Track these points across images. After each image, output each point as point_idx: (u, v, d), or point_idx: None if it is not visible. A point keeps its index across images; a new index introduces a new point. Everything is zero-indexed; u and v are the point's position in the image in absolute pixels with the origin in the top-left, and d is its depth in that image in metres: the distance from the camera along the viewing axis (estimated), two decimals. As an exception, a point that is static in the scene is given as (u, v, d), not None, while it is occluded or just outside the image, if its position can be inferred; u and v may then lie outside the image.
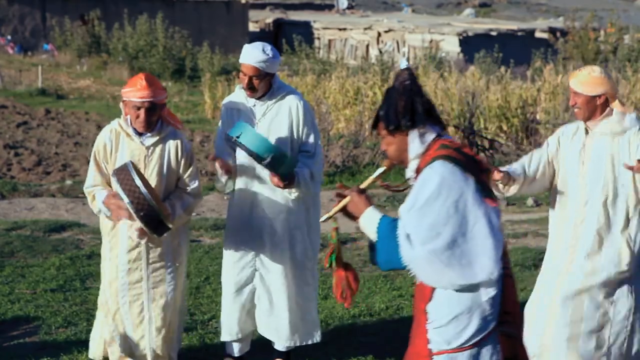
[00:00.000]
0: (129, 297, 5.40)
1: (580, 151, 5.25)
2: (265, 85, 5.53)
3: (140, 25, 33.56)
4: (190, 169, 5.55)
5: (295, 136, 5.61)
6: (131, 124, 5.39)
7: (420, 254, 3.48)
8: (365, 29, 44.02)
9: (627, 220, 5.14)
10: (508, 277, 3.70)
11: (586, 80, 5.15)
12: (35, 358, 6.02)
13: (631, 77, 20.46)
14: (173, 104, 25.84)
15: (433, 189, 3.51)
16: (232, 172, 5.61)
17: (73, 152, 16.84)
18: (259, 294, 5.71)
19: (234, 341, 5.85)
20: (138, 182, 4.92)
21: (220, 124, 5.86)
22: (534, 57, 27.80)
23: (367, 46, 43.11)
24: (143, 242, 5.34)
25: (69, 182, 13.44)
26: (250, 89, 5.51)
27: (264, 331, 5.79)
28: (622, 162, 5.06)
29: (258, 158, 5.20)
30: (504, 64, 24.03)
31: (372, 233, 3.65)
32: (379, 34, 43.22)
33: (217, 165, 5.58)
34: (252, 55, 5.46)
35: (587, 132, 5.27)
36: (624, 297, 5.16)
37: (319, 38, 44.93)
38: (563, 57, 29.31)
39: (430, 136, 3.67)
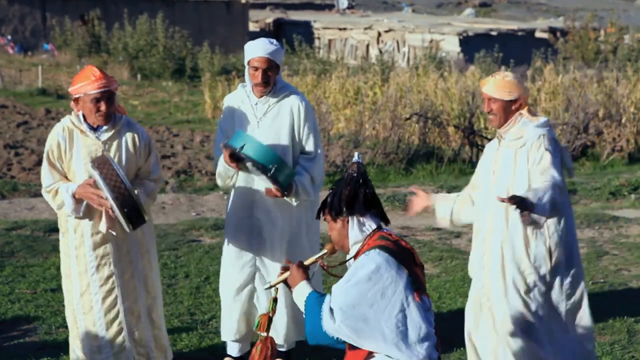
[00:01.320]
0: (101, 294, 5.29)
1: (493, 162, 5.17)
2: (274, 79, 5.53)
3: (140, 25, 33.56)
4: (150, 157, 5.43)
5: (296, 137, 5.60)
6: (84, 119, 5.27)
7: (341, 327, 3.77)
8: (366, 28, 44.01)
9: (526, 235, 5.03)
10: None
11: (502, 84, 5.03)
12: (35, 358, 6.02)
13: (631, 77, 20.46)
14: (173, 103, 25.85)
15: (366, 273, 3.78)
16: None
17: (73, 152, 16.84)
18: (258, 293, 5.72)
19: (234, 341, 5.86)
20: (122, 175, 4.89)
21: (219, 123, 5.85)
22: (534, 57, 27.77)
23: (367, 46, 43.10)
24: (110, 235, 5.21)
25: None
26: (265, 82, 5.48)
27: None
28: (521, 174, 4.98)
29: (264, 168, 5.18)
30: (504, 63, 24.02)
31: (301, 305, 3.93)
32: (379, 34, 43.21)
33: (223, 154, 5.45)
34: (262, 47, 5.46)
35: (499, 142, 5.17)
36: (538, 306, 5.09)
37: (319, 38, 44.93)
38: (563, 57, 29.28)
39: (370, 226, 3.96)
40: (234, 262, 5.74)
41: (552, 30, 41.57)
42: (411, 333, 3.74)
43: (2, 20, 39.44)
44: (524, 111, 5.06)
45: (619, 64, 24.94)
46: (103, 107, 5.17)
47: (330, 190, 4.03)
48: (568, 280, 5.12)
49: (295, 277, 4.01)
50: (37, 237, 9.42)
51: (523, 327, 5.06)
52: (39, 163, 15.14)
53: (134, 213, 4.95)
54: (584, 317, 5.23)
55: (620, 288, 8.04)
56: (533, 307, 5.06)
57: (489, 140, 16.71)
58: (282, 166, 5.23)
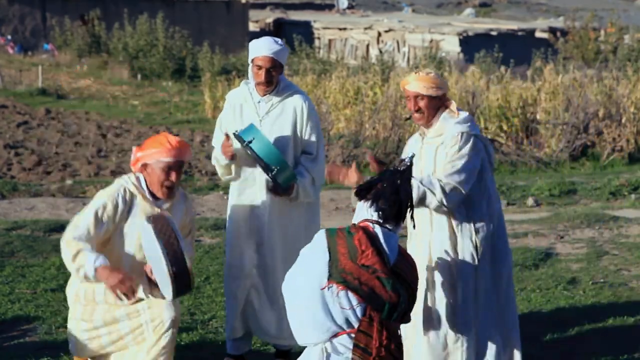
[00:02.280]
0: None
1: (418, 161, 5.01)
2: (277, 78, 5.53)
3: (140, 25, 33.57)
4: (190, 235, 5.28)
5: (299, 136, 5.59)
6: (147, 186, 5.02)
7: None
8: (366, 28, 44.00)
9: (452, 231, 4.93)
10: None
11: (427, 81, 4.87)
12: (35, 358, 6.02)
13: (631, 77, 20.45)
14: (173, 103, 25.86)
15: (308, 246, 4.13)
16: (235, 158, 5.51)
17: (73, 152, 16.85)
18: (259, 292, 5.72)
19: (235, 339, 5.86)
20: (179, 234, 4.65)
21: (219, 118, 5.83)
22: (534, 57, 27.77)
23: (368, 46, 43.09)
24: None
25: (69, 181, 13.44)
26: (269, 82, 5.46)
27: (263, 330, 5.78)
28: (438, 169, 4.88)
29: (266, 167, 5.15)
30: (504, 63, 24.01)
31: None
32: (379, 34, 43.20)
33: (222, 146, 5.43)
34: (266, 46, 5.43)
35: (423, 139, 5.07)
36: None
37: (319, 38, 44.92)
38: (563, 57, 29.26)
39: (364, 215, 4.14)
40: (235, 261, 5.74)
41: (552, 30, 41.56)
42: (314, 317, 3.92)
43: (2, 20, 39.44)
44: (453, 107, 4.95)
45: (619, 64, 24.95)
46: (174, 177, 4.94)
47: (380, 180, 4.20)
48: (493, 278, 5.01)
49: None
50: (37, 237, 9.42)
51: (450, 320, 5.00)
52: (39, 163, 15.15)
53: (181, 276, 4.63)
54: (511, 316, 5.17)
55: (620, 288, 8.04)
56: (460, 304, 4.98)
57: (491, 140, 16.77)
58: (284, 168, 5.21)
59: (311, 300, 3.86)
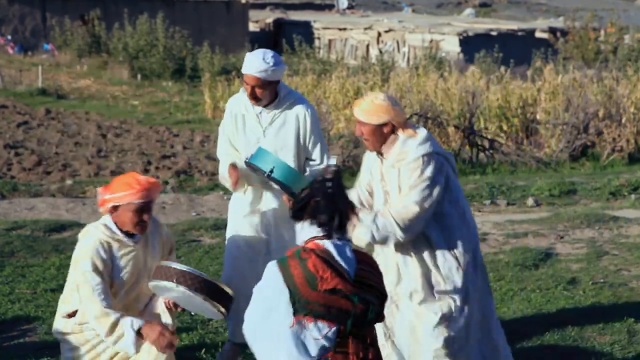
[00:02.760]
0: None
1: (381, 181, 5.00)
2: (270, 93, 5.43)
3: (140, 25, 33.58)
4: (172, 253, 5.28)
5: (302, 145, 5.56)
6: (119, 228, 4.98)
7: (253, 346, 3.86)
8: (366, 28, 44.02)
9: (433, 254, 4.92)
10: None
11: (369, 108, 4.84)
12: (35, 358, 6.02)
13: (631, 77, 20.45)
14: (173, 104, 25.86)
15: (257, 288, 3.84)
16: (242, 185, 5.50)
17: (73, 152, 16.85)
18: None
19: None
20: (178, 266, 4.74)
21: (222, 125, 5.76)
22: (534, 57, 27.81)
23: (368, 46, 43.11)
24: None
25: (69, 182, 13.45)
26: (254, 98, 5.41)
27: None
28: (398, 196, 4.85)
29: (291, 193, 5.03)
30: (504, 63, 24.04)
31: None
32: (379, 34, 43.22)
33: (230, 175, 5.43)
34: (253, 64, 5.36)
35: (382, 162, 5.02)
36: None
37: (319, 38, 44.94)
38: (563, 57, 29.32)
39: (307, 235, 3.89)
40: (235, 259, 5.71)
41: (552, 30, 41.59)
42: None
43: (2, 20, 39.44)
44: (401, 132, 4.89)
45: (619, 64, 24.98)
46: (146, 217, 4.92)
47: (301, 190, 3.98)
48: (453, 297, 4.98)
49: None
50: (37, 237, 9.42)
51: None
52: (39, 163, 15.15)
53: (210, 287, 4.76)
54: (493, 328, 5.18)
55: (620, 288, 8.04)
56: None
57: (489, 140, 16.79)
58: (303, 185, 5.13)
59: (282, 341, 3.68)
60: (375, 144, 4.92)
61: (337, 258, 3.74)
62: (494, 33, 40.63)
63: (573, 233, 10.37)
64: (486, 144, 16.94)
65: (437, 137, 17.55)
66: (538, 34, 42.80)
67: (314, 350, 3.67)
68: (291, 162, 5.44)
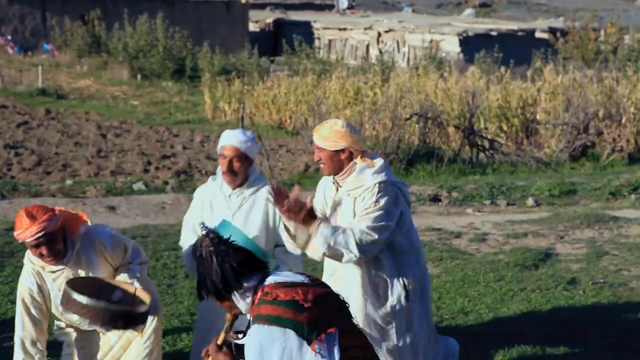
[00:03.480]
0: None
1: (331, 207, 5.01)
2: (244, 172, 5.31)
3: (140, 25, 33.59)
4: (126, 253, 5.19)
5: (272, 229, 5.40)
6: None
7: None
8: (366, 29, 44.04)
9: (383, 280, 4.93)
10: None
11: (327, 134, 4.86)
12: (35, 358, 6.01)
13: (631, 77, 20.45)
14: (173, 104, 25.85)
15: (255, 353, 3.57)
16: None
17: (73, 152, 16.85)
18: None
19: None
20: (80, 298, 4.67)
21: (186, 215, 5.60)
22: (534, 57, 27.82)
23: (368, 46, 43.12)
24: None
25: (69, 182, 13.45)
26: (231, 171, 5.27)
27: None
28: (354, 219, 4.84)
29: None
30: (504, 64, 24.05)
31: None
32: (379, 34, 43.24)
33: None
34: (233, 135, 5.28)
35: (337, 189, 5.02)
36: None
37: (319, 38, 44.95)
38: (563, 57, 29.34)
39: (249, 294, 3.70)
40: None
41: (552, 31, 41.61)
42: None
43: (2, 20, 39.45)
44: (358, 159, 4.91)
45: (619, 64, 24.99)
46: (45, 251, 4.85)
47: (197, 272, 3.75)
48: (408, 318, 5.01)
49: None
50: (37, 237, 9.40)
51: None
52: (39, 163, 15.16)
53: (120, 317, 4.73)
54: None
55: (620, 288, 8.04)
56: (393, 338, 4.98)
57: (489, 140, 16.78)
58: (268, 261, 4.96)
59: None
60: (331, 169, 4.93)
61: (289, 279, 3.70)
62: (494, 33, 40.64)
63: (573, 233, 10.37)
64: (486, 144, 16.95)
65: (437, 137, 17.56)
66: (538, 34, 42.81)
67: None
68: (261, 245, 5.03)
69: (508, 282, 8.21)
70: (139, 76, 31.66)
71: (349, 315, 3.76)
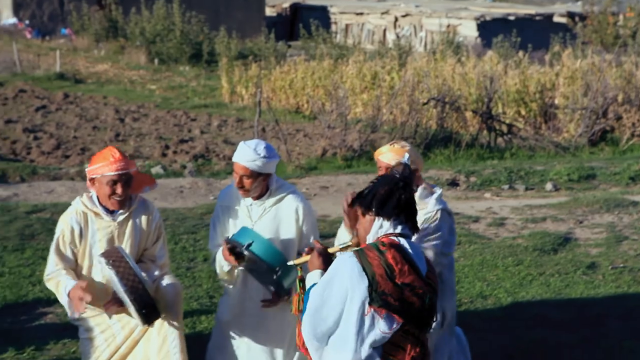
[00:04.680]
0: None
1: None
2: (260, 185, 5.10)
3: (157, 10, 33.57)
4: (158, 242, 5.30)
5: (296, 240, 5.21)
6: (99, 201, 5.12)
7: (307, 335, 3.76)
8: (383, 13, 43.87)
9: None
10: None
11: (396, 153, 4.95)
12: (56, 339, 6.08)
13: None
14: (190, 88, 25.88)
15: (329, 278, 3.71)
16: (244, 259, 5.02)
17: (91, 136, 16.91)
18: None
19: None
20: (139, 272, 4.78)
21: (212, 218, 5.43)
22: (553, 42, 27.65)
23: (385, 31, 42.97)
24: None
25: (87, 165, 13.51)
26: (241, 188, 5.09)
27: None
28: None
29: (270, 269, 4.79)
30: (522, 48, 23.92)
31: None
32: (396, 19, 43.07)
33: (224, 254, 5.01)
34: (244, 154, 5.03)
35: None
36: None
37: (336, 22, 44.83)
38: (582, 41, 29.10)
39: (385, 231, 3.80)
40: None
41: (570, 15, 41.31)
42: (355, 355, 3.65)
43: (20, 5, 39.54)
44: (421, 182, 5.07)
45: (638, 49, 24.77)
46: (119, 189, 4.99)
47: (370, 184, 3.88)
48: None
49: (313, 264, 3.98)
50: (57, 220, 9.39)
51: None
52: (57, 147, 15.22)
53: (150, 311, 4.87)
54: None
55: (640, 273, 8.02)
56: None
57: (507, 125, 16.70)
58: (288, 269, 4.74)
59: (345, 327, 3.66)
60: None
61: (413, 255, 3.75)
62: (511, 17, 40.41)
63: (592, 218, 10.34)
64: (504, 128, 16.88)
65: (455, 122, 17.51)
66: (556, 19, 42.53)
67: (376, 342, 3.64)
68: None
69: (527, 267, 8.20)
70: (156, 60, 31.69)
71: (424, 325, 3.76)
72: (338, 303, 3.66)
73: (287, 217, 5.17)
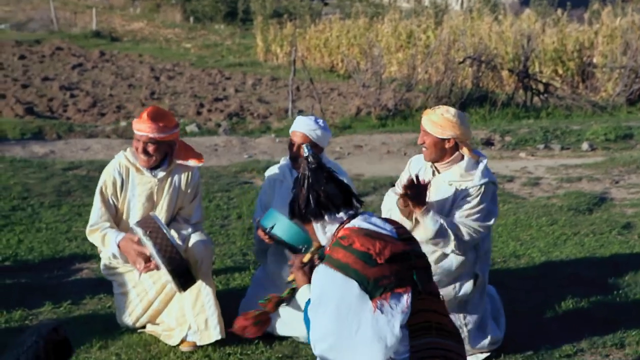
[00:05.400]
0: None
1: (429, 189, 4.96)
2: None
3: (192, -32, 33.51)
4: (194, 200, 5.39)
5: None
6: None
7: (315, 350, 3.61)
8: (419, -29, 43.37)
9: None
10: None
11: (437, 120, 4.89)
12: (92, 294, 6.15)
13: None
14: (225, 47, 25.86)
15: (315, 298, 3.59)
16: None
17: (127, 94, 16.99)
18: None
19: None
20: (174, 240, 4.84)
21: (259, 194, 5.68)
22: (592, 0, 27.22)
23: (421, -11, 42.49)
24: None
25: (123, 123, 13.58)
26: (294, 159, 5.34)
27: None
28: (458, 213, 4.93)
29: (293, 249, 4.93)
30: (561, 6, 23.58)
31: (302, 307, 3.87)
32: (433, -24, 42.56)
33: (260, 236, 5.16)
34: (304, 123, 5.31)
35: (434, 173, 5.05)
36: None
37: (371, -20, 44.41)
38: (622, -1, 28.62)
39: (331, 228, 3.69)
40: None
41: (610, -28, 40.59)
42: (382, 347, 3.48)
43: (56, -37, 39.62)
44: (466, 153, 4.96)
45: (680, 7, 24.31)
46: (151, 149, 5.09)
47: (292, 192, 3.80)
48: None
49: (299, 281, 3.96)
50: (93, 177, 9.55)
51: None
52: (93, 105, 15.32)
53: (187, 278, 4.97)
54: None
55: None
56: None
57: (544, 84, 16.52)
58: (310, 246, 4.75)
59: (367, 332, 3.48)
60: (433, 156, 4.99)
61: (375, 228, 3.62)
62: (550, -25, 39.77)
63: (628, 178, 10.24)
64: (541, 87, 16.70)
65: (491, 81, 17.36)
66: (596, -24, 41.80)
67: (399, 323, 3.49)
68: None
69: (561, 226, 8.16)
70: (191, 19, 31.68)
71: (429, 278, 3.69)
72: (339, 320, 3.51)
73: None
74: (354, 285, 3.48)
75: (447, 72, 15.88)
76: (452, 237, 4.85)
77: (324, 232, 3.71)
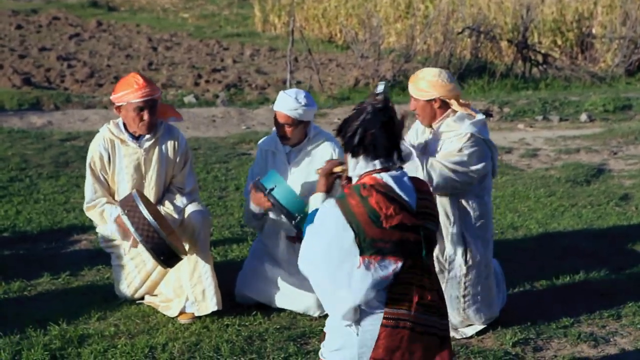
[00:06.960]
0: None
1: (425, 146, 5.05)
2: (299, 133, 5.33)
3: (190, -63, 33.26)
4: (185, 168, 5.40)
5: None
6: (125, 128, 5.24)
7: (299, 264, 3.78)
8: (418, -60, 43.08)
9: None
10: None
11: (420, 84, 4.98)
12: (90, 265, 6.17)
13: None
14: (223, 17, 25.74)
15: (315, 225, 3.68)
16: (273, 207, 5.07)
17: (125, 65, 16.92)
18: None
19: None
20: (146, 214, 4.82)
21: (251, 167, 5.67)
22: (592, -31, 27.07)
23: (420, -42, 42.23)
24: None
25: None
26: (282, 137, 5.32)
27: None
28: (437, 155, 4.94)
29: (289, 215, 4.88)
30: (560, -24, 23.44)
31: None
32: (432, -54, 42.29)
33: (254, 198, 5.14)
34: (285, 103, 5.25)
35: (431, 133, 5.11)
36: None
37: (370, -50, 44.12)
38: (622, -31, 28.46)
39: (362, 169, 3.71)
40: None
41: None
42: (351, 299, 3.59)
43: None
44: (457, 107, 4.97)
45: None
46: (146, 116, 5.11)
47: (353, 111, 3.77)
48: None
49: (319, 185, 4.08)
50: (91, 148, 9.54)
51: None
52: (91, 75, 15.26)
53: (169, 256, 4.95)
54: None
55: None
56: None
57: (543, 54, 16.46)
58: (306, 216, 4.76)
59: (344, 278, 3.57)
60: (425, 119, 5.06)
61: (398, 191, 3.63)
62: (550, -56, 39.52)
63: (627, 149, 10.24)
64: (540, 58, 16.65)
65: (490, 52, 17.30)
66: (596, -54, 41.54)
67: (377, 286, 3.57)
68: None
69: (559, 198, 8.17)
70: (188, -12, 31.49)
71: (428, 255, 3.71)
72: (326, 257, 3.61)
73: (320, 162, 5.20)
74: (350, 235, 3.56)
75: (445, 43, 15.82)
76: (421, 166, 4.84)
77: (354, 168, 3.73)
